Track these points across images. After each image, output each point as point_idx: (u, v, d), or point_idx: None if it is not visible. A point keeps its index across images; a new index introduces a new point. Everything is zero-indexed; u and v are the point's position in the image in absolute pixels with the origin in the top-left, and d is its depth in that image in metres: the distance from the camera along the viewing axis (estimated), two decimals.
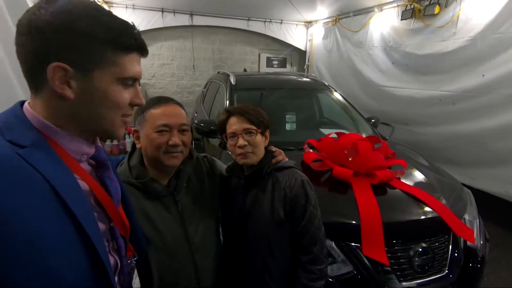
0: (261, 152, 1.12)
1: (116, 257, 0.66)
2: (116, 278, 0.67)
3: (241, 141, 1.08)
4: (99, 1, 4.26)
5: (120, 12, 4.82)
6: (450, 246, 1.52)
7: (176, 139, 0.97)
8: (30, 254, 0.45)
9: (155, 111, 0.98)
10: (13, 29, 0.56)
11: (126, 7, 4.86)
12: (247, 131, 1.08)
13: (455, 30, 3.29)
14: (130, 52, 0.57)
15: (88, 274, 0.53)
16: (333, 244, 1.43)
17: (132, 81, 0.59)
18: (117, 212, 0.64)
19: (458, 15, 3.24)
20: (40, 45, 0.51)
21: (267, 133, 1.16)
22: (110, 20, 0.55)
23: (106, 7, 4.57)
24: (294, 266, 1.12)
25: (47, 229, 0.47)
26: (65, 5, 0.52)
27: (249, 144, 1.08)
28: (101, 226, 0.62)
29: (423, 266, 1.45)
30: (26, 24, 0.51)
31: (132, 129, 1.04)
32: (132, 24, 0.58)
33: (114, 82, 0.56)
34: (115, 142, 4.35)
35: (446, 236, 1.53)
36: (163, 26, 5.31)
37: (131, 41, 0.57)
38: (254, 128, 1.09)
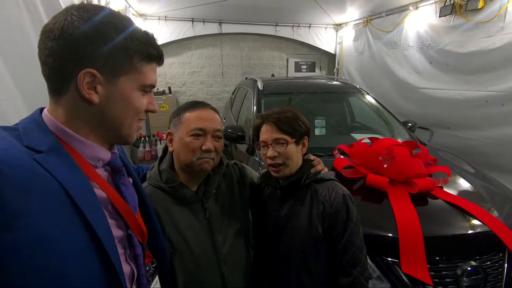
0: (295, 164, 1.04)
1: (133, 266, 0.65)
2: (134, 287, 0.66)
3: (270, 152, 1.02)
4: (133, 14, 4.47)
5: (153, 24, 5.02)
6: (506, 265, 1.34)
7: (209, 144, 0.95)
8: (42, 259, 0.45)
9: (191, 114, 0.97)
10: None
11: (159, 18, 5.06)
12: (278, 141, 1.01)
13: (503, 25, 3.00)
14: (152, 62, 0.61)
15: (100, 281, 0.53)
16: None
17: (150, 88, 0.63)
18: (134, 219, 0.64)
19: (506, 8, 2.96)
20: (72, 51, 0.52)
21: (305, 140, 1.08)
22: (136, 30, 0.59)
23: (141, 19, 4.81)
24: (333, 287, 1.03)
25: (60, 234, 0.47)
26: (96, 14, 0.54)
27: (279, 155, 1.01)
28: (119, 233, 0.61)
29: None
30: (57, 29, 0.52)
31: (166, 132, 1.04)
32: (152, 35, 0.62)
33: (136, 89, 0.60)
34: (147, 148, 4.54)
35: (501, 254, 1.35)
36: (193, 35, 5.45)
37: (154, 51, 0.61)
38: (286, 138, 1.01)
